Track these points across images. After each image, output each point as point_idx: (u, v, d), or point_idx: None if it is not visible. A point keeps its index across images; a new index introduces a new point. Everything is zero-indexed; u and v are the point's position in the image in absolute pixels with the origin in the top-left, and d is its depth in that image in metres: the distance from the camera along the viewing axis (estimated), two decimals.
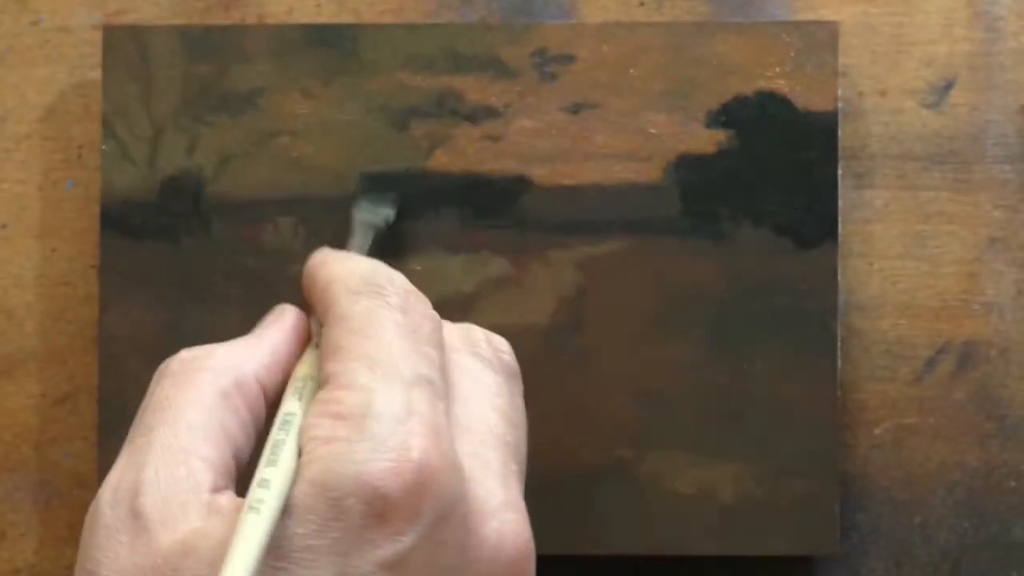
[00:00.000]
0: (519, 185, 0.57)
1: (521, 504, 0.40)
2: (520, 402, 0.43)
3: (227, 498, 0.38)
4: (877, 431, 0.58)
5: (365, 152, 0.57)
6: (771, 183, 0.57)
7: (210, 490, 0.38)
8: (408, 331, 0.40)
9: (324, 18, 0.60)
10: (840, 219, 0.58)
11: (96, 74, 0.59)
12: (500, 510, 0.39)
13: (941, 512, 0.58)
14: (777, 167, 0.57)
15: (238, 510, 0.36)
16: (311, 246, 0.57)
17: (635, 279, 0.57)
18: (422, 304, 0.42)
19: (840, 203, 0.58)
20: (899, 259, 0.59)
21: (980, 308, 0.59)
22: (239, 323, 0.57)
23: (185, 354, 0.43)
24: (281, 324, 0.44)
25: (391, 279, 0.42)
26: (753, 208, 0.57)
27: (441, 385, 0.40)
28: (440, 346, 0.41)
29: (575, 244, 0.57)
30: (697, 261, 0.57)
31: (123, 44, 0.57)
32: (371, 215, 0.55)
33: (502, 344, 0.43)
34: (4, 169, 0.60)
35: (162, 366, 0.43)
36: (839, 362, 0.56)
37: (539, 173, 0.57)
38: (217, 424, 0.40)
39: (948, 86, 0.59)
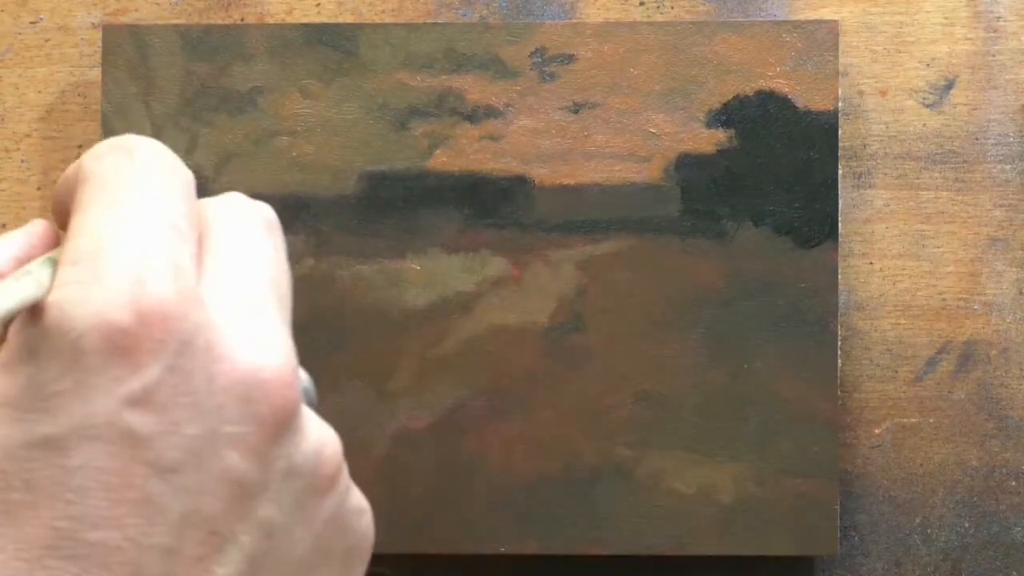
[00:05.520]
0: (519, 185, 0.57)
1: (282, 334, 0.39)
2: (282, 253, 0.42)
3: None
4: (877, 431, 0.58)
5: (365, 152, 0.57)
6: (771, 183, 0.57)
7: None
8: (153, 182, 0.39)
9: (324, 18, 0.60)
10: (840, 219, 0.58)
11: (96, 73, 0.59)
12: (255, 338, 0.38)
13: (941, 512, 0.58)
14: (777, 167, 0.57)
15: None
16: (311, 245, 0.57)
17: (635, 279, 0.57)
18: (172, 160, 0.41)
19: (840, 203, 0.58)
20: (899, 259, 0.59)
21: (980, 308, 0.59)
22: None
23: None
24: (30, 228, 0.43)
25: (139, 138, 0.41)
26: (753, 208, 0.57)
27: (188, 231, 0.39)
28: (190, 198, 0.40)
29: (575, 244, 0.57)
30: (697, 261, 0.57)
31: (123, 43, 0.57)
32: None
33: (263, 205, 0.43)
34: (4, 169, 0.60)
35: None
36: (839, 362, 0.56)
37: (539, 173, 0.57)
38: None
39: (948, 86, 0.59)
